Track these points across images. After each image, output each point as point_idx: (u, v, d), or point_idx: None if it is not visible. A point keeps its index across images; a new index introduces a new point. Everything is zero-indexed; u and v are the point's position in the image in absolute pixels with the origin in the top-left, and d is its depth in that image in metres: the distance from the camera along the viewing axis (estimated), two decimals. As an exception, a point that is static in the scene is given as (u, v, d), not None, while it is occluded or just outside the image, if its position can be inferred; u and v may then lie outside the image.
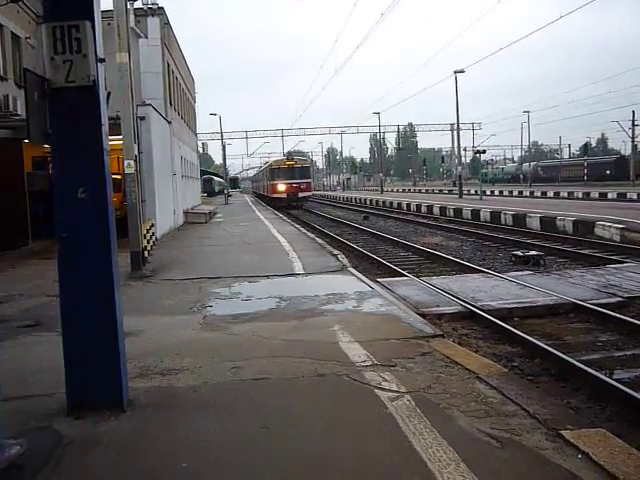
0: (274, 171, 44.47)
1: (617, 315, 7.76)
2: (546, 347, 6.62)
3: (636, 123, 62.89)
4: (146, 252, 12.77)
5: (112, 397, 4.51)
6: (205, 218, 27.64)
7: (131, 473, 3.69)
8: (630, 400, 5.10)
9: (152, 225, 14.50)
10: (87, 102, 4.24)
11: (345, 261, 12.76)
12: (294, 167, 43.67)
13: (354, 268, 12.10)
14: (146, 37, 21.89)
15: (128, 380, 4.81)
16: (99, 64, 4.25)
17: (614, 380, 5.60)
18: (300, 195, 43.32)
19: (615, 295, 8.95)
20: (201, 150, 54.70)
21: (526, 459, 3.57)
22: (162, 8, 23.66)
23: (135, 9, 20.92)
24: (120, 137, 11.72)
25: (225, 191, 56.82)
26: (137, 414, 4.52)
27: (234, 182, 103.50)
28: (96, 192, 4.32)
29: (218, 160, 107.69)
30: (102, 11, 14.87)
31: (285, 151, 71.32)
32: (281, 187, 43.10)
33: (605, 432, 3.91)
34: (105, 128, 4.36)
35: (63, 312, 4.42)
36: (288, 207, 41.14)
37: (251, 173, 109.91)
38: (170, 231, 21.56)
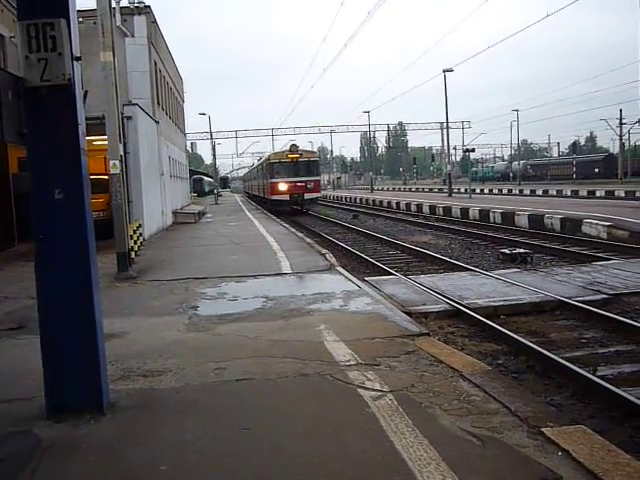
0: (273, 166, 35.27)
1: (602, 312, 7.78)
2: (530, 344, 6.62)
3: (624, 121, 63.26)
4: (133, 253, 12.72)
5: (92, 400, 4.45)
6: (194, 218, 27.55)
7: (110, 477, 3.65)
8: (612, 397, 5.11)
9: (139, 226, 14.47)
10: (63, 101, 4.18)
11: (333, 260, 12.73)
12: (299, 161, 34.74)
13: (342, 267, 12.09)
14: (132, 36, 21.74)
15: (109, 382, 4.77)
16: (75, 62, 4.19)
17: (597, 377, 5.60)
18: (307, 196, 34.40)
19: (600, 292, 8.98)
20: (190, 150, 54.53)
21: (506, 457, 3.56)
22: (149, 7, 23.51)
23: (121, 7, 20.76)
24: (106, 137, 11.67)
25: (215, 191, 56.66)
26: (118, 417, 4.47)
27: (224, 182, 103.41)
28: (73, 193, 4.26)
29: (208, 160, 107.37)
30: (88, 10, 14.65)
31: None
32: (282, 186, 34.22)
33: (586, 429, 3.91)
34: (82, 127, 4.30)
35: (41, 314, 4.36)
36: (292, 212, 34.36)
37: (241, 173, 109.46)
38: (158, 231, 21.46)
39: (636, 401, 4.91)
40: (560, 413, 4.74)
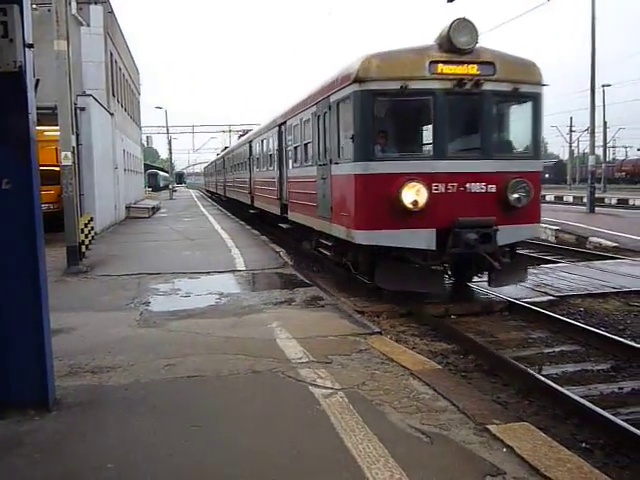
0: (374, 109, 8.15)
1: (548, 313, 8.02)
2: (479, 344, 6.78)
3: (573, 129, 65.25)
4: (84, 247, 12.43)
5: (37, 396, 4.35)
6: (148, 213, 27.13)
7: (53, 474, 3.56)
8: (556, 395, 5.28)
9: (91, 219, 14.14)
10: (13, 89, 4.06)
11: (287, 258, 12.72)
12: (484, 93, 8.11)
13: (296, 265, 12.09)
14: (88, 25, 21.22)
15: (55, 379, 4.66)
16: (27, 50, 4.08)
17: (542, 376, 5.78)
18: (503, 235, 8.16)
19: (547, 294, 9.25)
20: (146, 144, 53.61)
21: (453, 453, 3.63)
22: (106, -4, 23.00)
23: (77, -4, 20.27)
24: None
25: (170, 186, 55.90)
26: (64, 413, 4.38)
27: (180, 177, 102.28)
28: (22, 183, 4.15)
29: (164, 154, 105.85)
30: (43, -4, 14.21)
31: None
32: (412, 196, 7.87)
33: (529, 426, 4.03)
34: (32, 117, 4.19)
35: (-15, 308, 4.23)
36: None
37: (197, 169, 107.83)
38: (111, 225, 21.03)
39: (578, 399, 5.08)
40: (506, 411, 4.87)
